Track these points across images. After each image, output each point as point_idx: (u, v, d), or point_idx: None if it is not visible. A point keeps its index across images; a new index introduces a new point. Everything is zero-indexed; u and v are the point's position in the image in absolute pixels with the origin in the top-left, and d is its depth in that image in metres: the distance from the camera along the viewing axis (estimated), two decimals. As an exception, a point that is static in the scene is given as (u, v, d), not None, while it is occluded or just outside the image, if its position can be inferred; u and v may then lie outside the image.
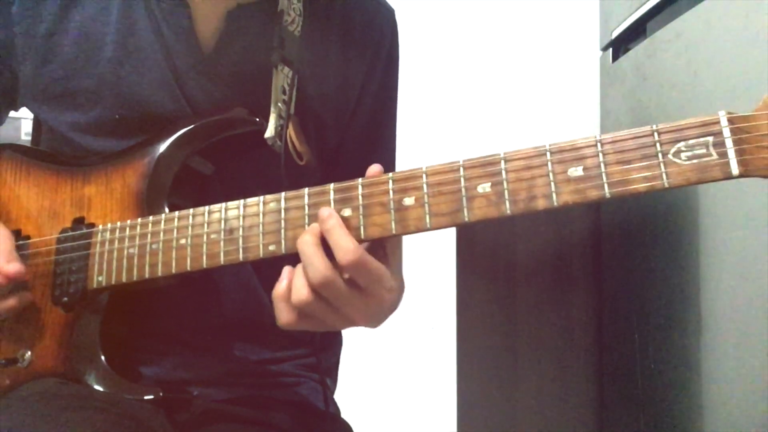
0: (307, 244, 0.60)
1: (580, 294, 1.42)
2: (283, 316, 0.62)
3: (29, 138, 0.93)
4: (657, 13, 1.20)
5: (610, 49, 1.39)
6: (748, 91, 0.91)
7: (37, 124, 0.89)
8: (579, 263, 1.42)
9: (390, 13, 0.90)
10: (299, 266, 0.61)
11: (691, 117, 0.52)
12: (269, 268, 0.81)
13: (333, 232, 0.59)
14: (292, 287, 0.61)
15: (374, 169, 0.62)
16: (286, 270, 0.62)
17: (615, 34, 1.34)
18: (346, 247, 0.59)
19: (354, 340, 1.01)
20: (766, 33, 0.87)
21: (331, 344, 0.93)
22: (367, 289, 0.61)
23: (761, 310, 0.88)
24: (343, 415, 0.91)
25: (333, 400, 0.92)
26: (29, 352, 0.76)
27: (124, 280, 0.71)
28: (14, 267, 0.72)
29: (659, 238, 1.16)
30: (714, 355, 0.99)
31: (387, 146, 0.94)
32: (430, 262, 1.66)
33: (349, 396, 1.02)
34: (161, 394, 0.70)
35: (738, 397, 0.94)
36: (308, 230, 0.61)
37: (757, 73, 0.89)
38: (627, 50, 1.32)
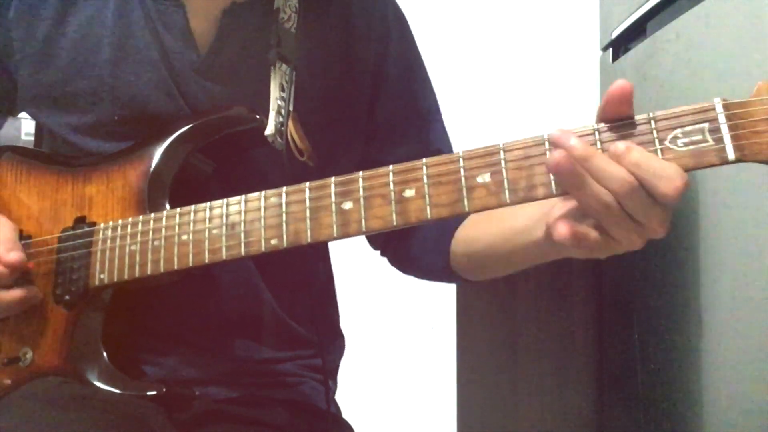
0: (597, 156, 0.52)
1: (580, 294, 1.42)
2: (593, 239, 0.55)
3: (29, 138, 0.93)
4: (657, 13, 1.20)
5: (610, 49, 1.39)
6: (748, 91, 0.91)
7: (38, 127, 0.89)
8: (579, 263, 1.42)
9: None
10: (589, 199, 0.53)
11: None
12: (271, 266, 0.81)
13: (645, 159, 0.52)
14: (607, 213, 0.53)
15: (620, 83, 0.54)
16: (565, 211, 0.55)
17: (615, 34, 1.35)
18: (672, 174, 0.51)
19: (354, 339, 1.01)
20: (766, 33, 0.87)
21: (335, 347, 0.93)
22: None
23: (761, 310, 0.88)
24: (343, 415, 0.91)
25: (334, 400, 0.92)
26: (31, 351, 0.76)
27: (126, 277, 0.71)
28: (15, 255, 0.71)
29: (659, 238, 1.16)
30: (714, 355, 1.00)
31: (430, 118, 0.91)
32: (430, 262, 1.66)
33: (349, 396, 1.02)
34: (164, 390, 0.70)
35: (738, 397, 0.94)
36: (584, 148, 0.52)
37: (757, 72, 0.89)
38: (627, 50, 1.32)
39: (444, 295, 1.56)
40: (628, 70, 1.30)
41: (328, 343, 0.91)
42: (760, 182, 0.88)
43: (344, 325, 0.96)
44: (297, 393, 0.85)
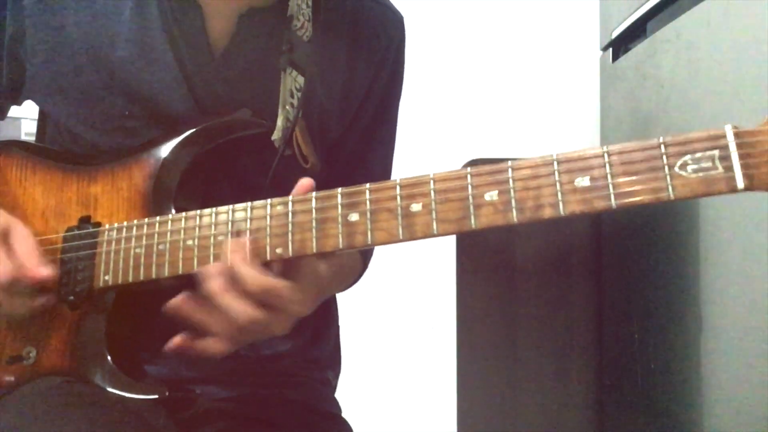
0: (220, 295, 0.63)
1: (580, 294, 1.42)
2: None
3: (29, 138, 0.93)
4: (657, 13, 1.20)
5: (610, 49, 1.39)
6: (748, 91, 0.91)
7: (41, 119, 0.89)
8: (579, 263, 1.42)
9: (399, 21, 0.91)
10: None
11: (692, 118, 0.52)
12: None
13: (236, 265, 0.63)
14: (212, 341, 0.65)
15: (305, 182, 0.65)
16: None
17: (615, 34, 1.35)
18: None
19: (354, 339, 1.01)
20: (766, 33, 0.87)
21: (330, 334, 0.93)
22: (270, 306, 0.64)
23: (761, 310, 0.88)
24: (343, 415, 0.91)
25: (334, 398, 0.92)
26: (35, 350, 0.76)
27: (130, 279, 0.71)
28: (46, 270, 0.71)
29: (659, 238, 1.16)
30: (714, 355, 1.00)
31: (384, 151, 0.94)
32: (430, 262, 1.66)
33: (349, 395, 1.02)
34: (167, 393, 0.70)
35: (738, 397, 0.94)
36: (214, 277, 0.64)
37: (757, 73, 0.89)
38: (627, 50, 1.32)
39: (444, 295, 1.56)
40: (628, 70, 1.30)
41: (323, 330, 0.91)
42: (760, 182, 0.88)
43: (344, 325, 0.96)
44: (297, 392, 0.85)
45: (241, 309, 0.62)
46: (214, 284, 0.63)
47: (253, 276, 0.62)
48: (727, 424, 0.96)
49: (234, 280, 0.63)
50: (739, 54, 0.94)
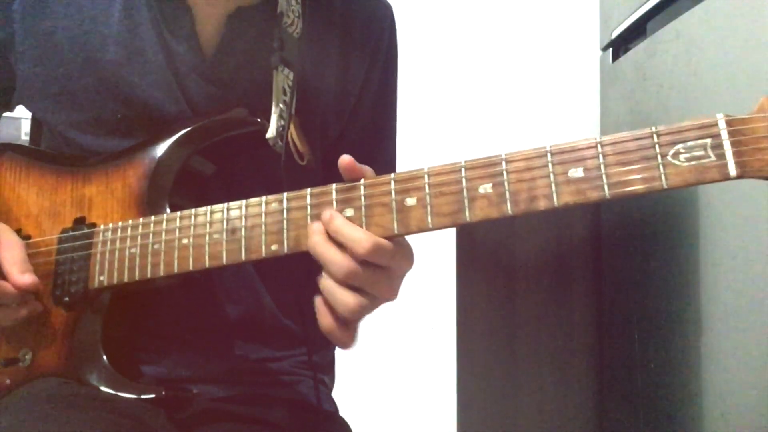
0: (320, 244, 0.61)
1: (580, 294, 1.42)
2: (325, 321, 0.66)
3: (29, 138, 0.93)
4: (657, 13, 1.21)
5: (610, 49, 1.39)
6: (748, 91, 0.91)
7: (36, 123, 0.89)
8: (579, 263, 1.42)
9: (388, 9, 0.91)
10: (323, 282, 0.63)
11: (691, 117, 0.52)
12: (270, 267, 0.81)
13: (342, 229, 0.61)
14: (325, 293, 0.63)
15: (345, 159, 0.63)
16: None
17: (615, 34, 1.35)
18: (360, 238, 0.60)
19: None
20: (766, 33, 0.87)
21: (327, 342, 0.93)
22: (388, 267, 0.62)
23: (761, 310, 0.88)
24: (342, 415, 0.91)
25: (331, 398, 0.92)
26: (31, 352, 0.76)
27: (126, 279, 0.71)
28: (28, 278, 0.71)
29: (659, 238, 1.16)
30: (714, 355, 1.00)
31: (387, 140, 0.94)
32: (430, 262, 1.66)
33: (348, 395, 1.02)
34: (163, 393, 0.70)
35: (738, 397, 0.94)
36: (314, 231, 0.62)
37: (757, 72, 0.89)
38: (627, 50, 1.32)
39: (444, 295, 1.56)
40: (628, 70, 1.30)
41: (321, 340, 0.91)
42: (759, 182, 0.88)
43: (344, 325, 0.96)
44: (294, 391, 0.85)
45: (344, 261, 0.60)
46: (317, 238, 0.62)
47: (360, 232, 0.60)
48: (726, 425, 0.96)
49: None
50: (739, 54, 0.94)
